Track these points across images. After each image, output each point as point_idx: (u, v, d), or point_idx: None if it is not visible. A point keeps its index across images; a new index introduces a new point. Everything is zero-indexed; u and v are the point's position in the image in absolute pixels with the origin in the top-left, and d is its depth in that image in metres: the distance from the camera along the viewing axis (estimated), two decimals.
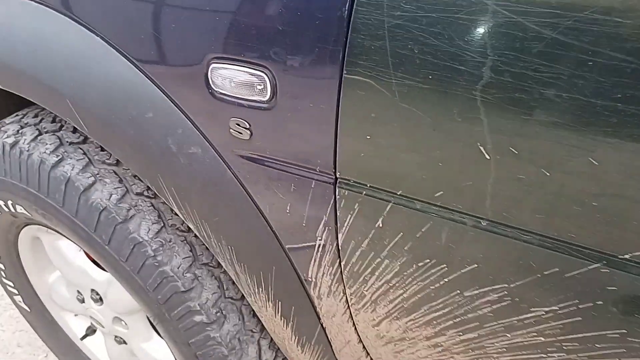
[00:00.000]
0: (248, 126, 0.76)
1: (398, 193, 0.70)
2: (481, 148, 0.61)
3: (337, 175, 0.74)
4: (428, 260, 0.74)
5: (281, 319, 1.00)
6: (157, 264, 1.01)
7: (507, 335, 0.75)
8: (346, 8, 0.61)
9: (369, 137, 0.68)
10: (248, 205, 0.86)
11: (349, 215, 0.76)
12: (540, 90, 0.54)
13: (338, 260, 0.83)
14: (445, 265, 0.73)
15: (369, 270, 0.81)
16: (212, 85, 0.76)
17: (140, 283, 1.04)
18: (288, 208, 0.82)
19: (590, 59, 0.51)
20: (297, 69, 0.68)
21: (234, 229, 0.90)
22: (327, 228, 0.80)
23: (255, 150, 0.79)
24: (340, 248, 0.81)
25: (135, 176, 1.05)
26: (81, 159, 1.04)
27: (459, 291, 0.75)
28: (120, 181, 1.04)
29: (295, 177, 0.77)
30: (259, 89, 0.72)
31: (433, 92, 0.60)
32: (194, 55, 0.75)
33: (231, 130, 0.78)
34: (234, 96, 0.75)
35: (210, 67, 0.74)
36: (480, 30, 0.55)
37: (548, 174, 0.58)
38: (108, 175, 1.03)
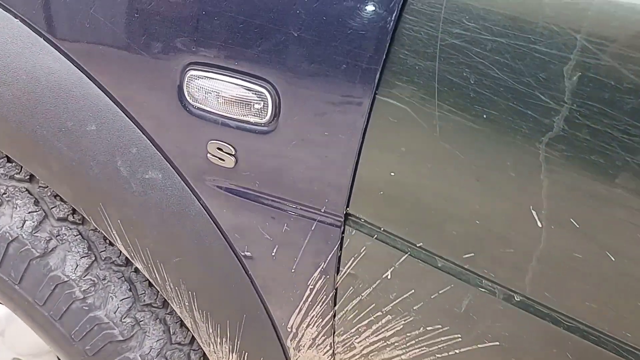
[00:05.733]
0: (233, 152, 0.60)
1: (418, 245, 0.59)
2: (534, 213, 0.50)
3: (347, 211, 0.60)
4: (440, 327, 0.63)
5: None
6: (87, 308, 0.81)
7: None
8: (392, 17, 0.48)
9: (393, 174, 0.55)
10: (219, 244, 0.69)
11: (352, 258, 0.64)
12: (625, 157, 0.44)
13: (332, 311, 0.69)
14: (459, 336, 0.62)
15: (365, 322, 0.69)
16: (188, 99, 0.58)
17: (63, 331, 0.83)
18: (274, 251, 0.67)
19: None
20: (313, 86, 0.53)
21: (198, 272, 0.73)
22: (323, 276, 0.66)
23: (239, 181, 0.63)
24: (336, 295, 0.68)
25: (56, 196, 0.82)
26: None
27: None
28: (36, 203, 0.81)
29: (290, 215, 0.63)
30: (257, 109, 0.56)
31: (485, 136, 0.49)
32: (165, 57, 0.57)
33: (209, 155, 0.61)
34: (218, 114, 0.58)
35: (187, 75, 0.57)
36: (562, 69, 0.44)
37: (614, 259, 0.48)
38: (19, 196, 0.80)
